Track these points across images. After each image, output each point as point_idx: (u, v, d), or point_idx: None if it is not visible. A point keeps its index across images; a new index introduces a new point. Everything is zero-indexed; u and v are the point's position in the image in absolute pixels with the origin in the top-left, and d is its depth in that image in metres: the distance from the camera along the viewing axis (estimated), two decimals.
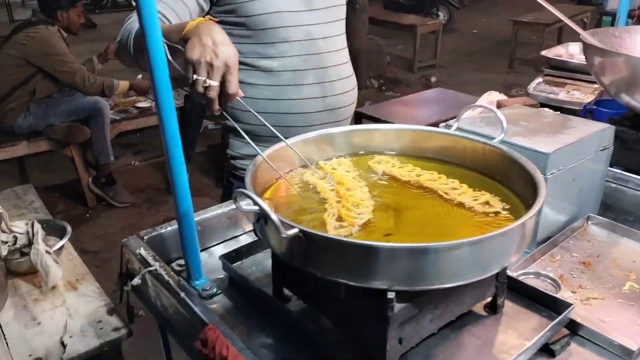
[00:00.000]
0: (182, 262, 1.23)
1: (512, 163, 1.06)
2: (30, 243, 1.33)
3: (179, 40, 1.11)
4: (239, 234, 1.39)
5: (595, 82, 2.04)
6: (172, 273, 1.14)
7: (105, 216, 3.46)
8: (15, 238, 1.30)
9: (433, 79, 6.34)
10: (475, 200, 1.02)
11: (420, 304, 0.89)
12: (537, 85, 2.12)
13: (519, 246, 0.88)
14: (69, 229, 1.49)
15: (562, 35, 7.28)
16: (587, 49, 1.63)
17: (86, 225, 3.31)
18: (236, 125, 1.10)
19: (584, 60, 2.16)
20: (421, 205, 1.03)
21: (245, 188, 0.87)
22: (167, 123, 1.02)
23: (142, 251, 1.19)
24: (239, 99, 1.08)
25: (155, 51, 0.94)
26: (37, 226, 1.34)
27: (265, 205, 0.81)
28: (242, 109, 1.50)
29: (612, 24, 5.47)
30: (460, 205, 1.02)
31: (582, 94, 2.01)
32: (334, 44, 1.55)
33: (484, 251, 0.82)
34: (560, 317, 1.01)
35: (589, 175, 1.35)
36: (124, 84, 3.45)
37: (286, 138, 1.51)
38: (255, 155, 1.56)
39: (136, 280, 1.17)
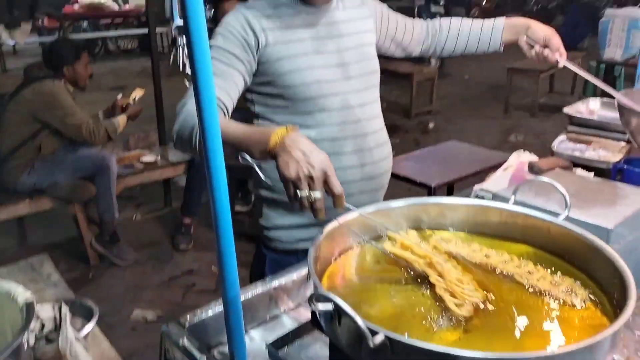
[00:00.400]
0: (223, 349, 1.15)
1: (586, 245, 1.01)
2: (56, 327, 1.24)
3: (262, 154, 1.11)
4: (278, 313, 1.31)
5: (622, 140, 2.02)
6: None
7: (108, 275, 3.33)
8: (42, 325, 1.21)
9: (431, 125, 6.37)
10: (556, 286, 0.96)
11: None
12: (560, 142, 2.10)
13: (615, 347, 0.82)
14: (96, 310, 1.40)
15: (554, 80, 7.42)
16: (623, 110, 1.62)
17: (89, 286, 3.18)
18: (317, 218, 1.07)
19: (607, 117, 2.17)
20: (497, 292, 0.97)
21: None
22: (222, 225, 0.94)
23: (186, 342, 1.11)
24: (347, 204, 1.06)
25: (214, 153, 0.88)
26: (65, 310, 1.24)
27: (349, 309, 0.75)
28: (269, 175, 1.46)
29: (607, 72, 5.60)
30: (540, 292, 0.96)
31: (609, 152, 1.98)
32: (370, 110, 1.52)
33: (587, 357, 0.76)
34: None
35: None
36: (122, 120, 3.36)
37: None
38: (290, 227, 1.51)
39: None
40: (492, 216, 1.16)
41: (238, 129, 1.18)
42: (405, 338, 0.75)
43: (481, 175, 2.51)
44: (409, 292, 0.97)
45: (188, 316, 1.20)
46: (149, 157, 3.72)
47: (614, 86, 2.00)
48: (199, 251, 3.55)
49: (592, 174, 1.78)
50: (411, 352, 0.75)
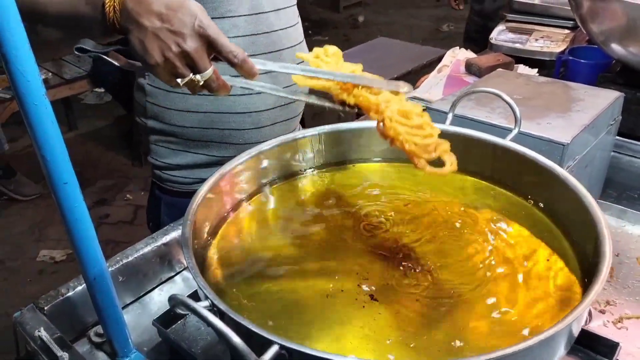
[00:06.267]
0: (101, 329, 0.91)
1: (540, 171, 0.79)
2: None
3: (103, 29, 0.75)
4: (175, 273, 1.07)
5: (566, 28, 1.81)
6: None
7: (8, 214, 2.95)
8: None
9: (360, 19, 5.99)
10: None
11: None
12: (499, 33, 1.86)
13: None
14: None
15: None
16: None
17: None
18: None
19: (551, 1, 1.93)
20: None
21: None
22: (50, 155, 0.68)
23: (43, 333, 0.85)
24: (260, 67, 0.75)
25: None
26: None
27: (221, 325, 0.50)
28: (166, 107, 1.14)
29: None
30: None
31: (552, 42, 1.77)
32: (287, 17, 1.16)
33: (552, 344, 0.56)
34: None
35: (599, 156, 1.13)
36: None
37: (227, 144, 1.18)
38: (188, 166, 1.23)
39: None
40: None
41: None
42: (309, 349, 0.52)
43: (414, 75, 2.27)
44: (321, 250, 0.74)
45: (47, 296, 0.93)
46: None
47: None
48: (110, 178, 3.20)
49: (535, 70, 1.57)
50: None
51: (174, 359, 0.89)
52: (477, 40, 2.76)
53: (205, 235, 0.75)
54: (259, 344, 0.51)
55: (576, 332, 0.59)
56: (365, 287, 0.68)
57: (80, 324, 0.95)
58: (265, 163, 0.85)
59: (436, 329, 0.61)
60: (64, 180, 0.71)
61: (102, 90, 4.24)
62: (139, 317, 0.98)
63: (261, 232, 0.80)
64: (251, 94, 1.13)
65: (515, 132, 0.87)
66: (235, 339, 0.49)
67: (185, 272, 1.07)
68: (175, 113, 1.13)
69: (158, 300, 1.02)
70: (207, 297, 0.57)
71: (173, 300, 0.53)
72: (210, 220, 0.76)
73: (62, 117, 3.75)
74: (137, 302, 1.01)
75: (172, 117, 1.13)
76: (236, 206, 0.81)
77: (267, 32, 1.11)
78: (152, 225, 1.35)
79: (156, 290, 1.04)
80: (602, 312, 0.94)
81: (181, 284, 1.04)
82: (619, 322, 0.92)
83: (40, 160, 0.70)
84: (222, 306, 0.55)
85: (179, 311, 0.55)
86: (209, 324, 0.50)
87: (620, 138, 1.38)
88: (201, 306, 0.52)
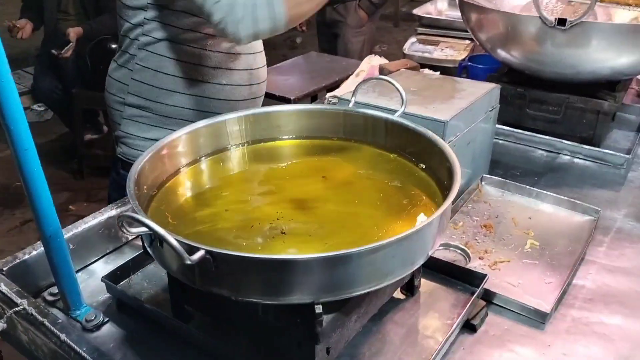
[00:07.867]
0: (55, 289, 1.04)
1: (419, 138, 1.01)
2: None
3: None
4: (120, 244, 1.21)
5: (467, 39, 2.08)
6: (46, 309, 0.95)
7: None
8: None
9: (298, 40, 6.25)
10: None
11: (348, 310, 0.81)
12: (411, 45, 2.11)
13: (442, 230, 0.83)
14: None
15: None
16: (464, 6, 1.63)
17: None
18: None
19: (454, 16, 2.20)
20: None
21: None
22: (13, 125, 0.82)
23: (3, 287, 0.98)
24: None
25: None
26: None
27: (158, 228, 0.67)
28: (154, 85, 1.35)
29: None
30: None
31: (455, 51, 2.03)
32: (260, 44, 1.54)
33: (412, 245, 0.76)
34: (478, 291, 0.99)
35: (480, 137, 1.36)
36: None
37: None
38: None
39: (0, 325, 0.95)
40: (329, 120, 1.13)
41: None
42: (227, 250, 0.69)
43: (340, 83, 2.49)
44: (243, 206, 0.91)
45: (5, 260, 1.06)
46: None
47: None
48: (53, 192, 3.23)
49: (438, 73, 1.81)
50: (235, 264, 0.70)
51: (120, 311, 1.02)
52: (329, 50, 3.21)
53: (148, 190, 0.91)
54: (188, 252, 0.68)
55: (434, 234, 0.79)
56: (276, 225, 0.86)
57: (35, 286, 1.07)
58: (200, 138, 1.03)
59: (327, 243, 0.80)
60: (25, 147, 0.85)
61: (42, 108, 4.27)
62: (86, 282, 1.10)
63: (194, 190, 0.97)
64: (233, 85, 1.41)
65: (401, 110, 1.08)
66: (172, 240, 0.65)
67: (127, 247, 1.21)
68: (162, 92, 1.34)
69: (104, 267, 1.14)
70: (140, 222, 0.72)
71: (122, 217, 0.69)
72: (153, 180, 0.92)
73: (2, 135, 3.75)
74: (85, 269, 1.14)
75: (158, 95, 1.34)
76: (176, 172, 0.98)
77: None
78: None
79: (102, 259, 1.17)
80: (481, 258, 1.15)
81: (126, 255, 1.18)
82: (494, 265, 1.14)
83: (5, 131, 0.83)
84: (159, 229, 0.70)
85: (125, 230, 0.70)
86: (153, 231, 0.66)
87: (506, 127, 1.65)
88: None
